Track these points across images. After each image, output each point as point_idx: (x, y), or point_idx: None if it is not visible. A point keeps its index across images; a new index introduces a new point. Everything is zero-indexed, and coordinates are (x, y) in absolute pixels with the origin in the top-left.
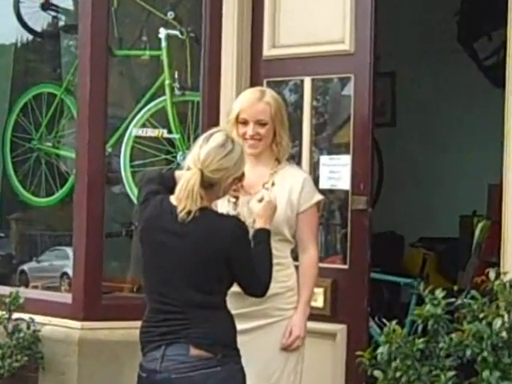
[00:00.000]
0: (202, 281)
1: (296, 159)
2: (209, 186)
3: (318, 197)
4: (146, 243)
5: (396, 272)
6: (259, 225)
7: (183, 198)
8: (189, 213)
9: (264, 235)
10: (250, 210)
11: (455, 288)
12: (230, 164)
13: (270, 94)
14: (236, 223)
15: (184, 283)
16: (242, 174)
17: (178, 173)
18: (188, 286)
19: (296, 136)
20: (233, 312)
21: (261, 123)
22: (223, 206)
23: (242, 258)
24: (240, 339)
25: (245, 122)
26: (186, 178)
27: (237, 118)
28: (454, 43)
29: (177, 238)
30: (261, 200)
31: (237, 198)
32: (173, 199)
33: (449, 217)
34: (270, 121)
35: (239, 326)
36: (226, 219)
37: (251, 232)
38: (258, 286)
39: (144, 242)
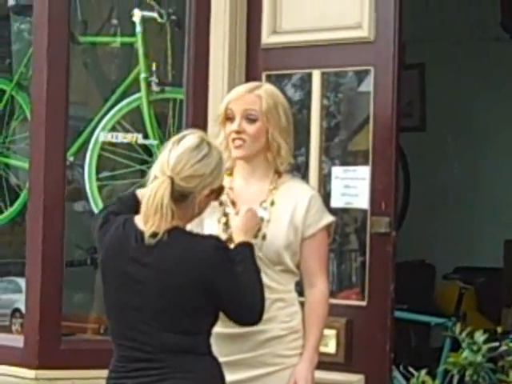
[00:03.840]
0: (177, 318)
1: (302, 170)
2: (181, 197)
3: (329, 218)
4: (108, 276)
5: (426, 310)
6: (239, 238)
7: (151, 214)
8: (156, 234)
9: (246, 250)
10: None
11: (499, 330)
12: (206, 170)
13: (265, 88)
14: (214, 244)
15: (155, 324)
16: (221, 187)
17: (140, 191)
18: (160, 327)
19: (302, 142)
20: (221, 359)
21: (249, 118)
22: (212, 227)
23: (227, 285)
24: None
25: (232, 118)
26: (153, 188)
27: (225, 113)
28: (497, 29)
29: (143, 268)
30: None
31: (226, 217)
32: (138, 220)
33: (491, 242)
34: (260, 117)
35: (229, 376)
36: (202, 240)
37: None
38: (250, 311)
39: (105, 275)
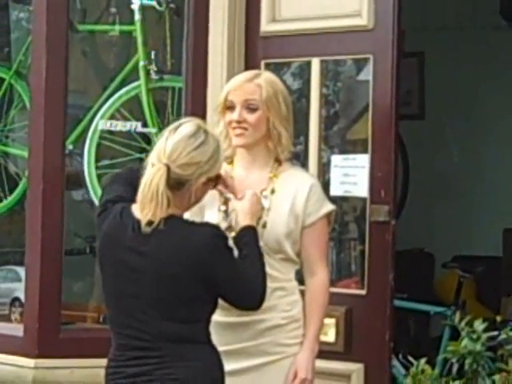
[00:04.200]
0: (175, 307)
1: (301, 159)
2: (177, 185)
3: (329, 207)
4: (106, 265)
5: (425, 299)
6: (245, 222)
7: (147, 202)
8: (152, 222)
9: (251, 234)
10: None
11: (498, 319)
12: (203, 158)
13: (265, 76)
14: (211, 231)
15: (153, 312)
16: (218, 176)
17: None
18: (158, 316)
19: (301, 131)
20: (220, 349)
21: (249, 107)
22: (212, 215)
23: (225, 272)
24: (230, 382)
25: (232, 107)
26: (149, 176)
27: (225, 102)
28: (496, 17)
29: (140, 257)
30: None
31: (226, 204)
32: (135, 209)
33: (490, 231)
34: (260, 106)
35: (228, 365)
36: (197, 228)
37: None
38: (250, 297)
39: (103, 264)
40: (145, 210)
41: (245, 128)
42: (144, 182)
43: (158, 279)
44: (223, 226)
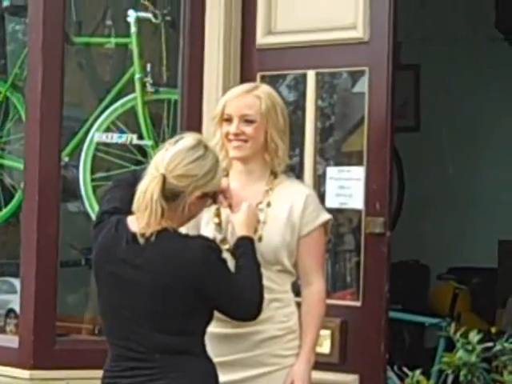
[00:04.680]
0: (169, 320)
1: (296, 171)
2: (171, 196)
3: (325, 216)
4: (101, 277)
5: (420, 310)
6: (241, 232)
7: (141, 210)
8: (145, 234)
9: (248, 245)
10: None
11: (493, 330)
12: (200, 172)
13: (263, 89)
14: (203, 244)
15: (147, 324)
16: (215, 193)
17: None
18: (153, 328)
19: (297, 143)
20: (216, 360)
21: (247, 120)
22: (207, 229)
23: (218, 285)
24: None
25: (229, 119)
26: (145, 184)
27: (222, 114)
28: (492, 30)
29: (134, 269)
30: None
31: (219, 216)
32: (130, 221)
33: (485, 242)
34: (258, 119)
35: (223, 377)
36: (190, 241)
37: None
38: (246, 308)
39: (98, 276)
40: (139, 218)
41: (244, 140)
42: (140, 190)
43: (152, 292)
44: (218, 238)
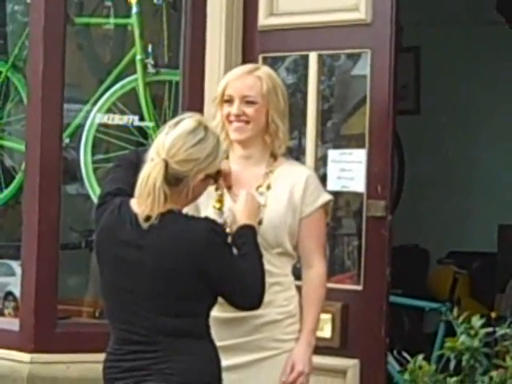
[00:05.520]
0: (172, 302)
1: (296, 154)
2: (174, 181)
3: (326, 197)
4: (103, 259)
5: (420, 295)
6: (242, 221)
7: (144, 197)
8: (149, 218)
9: (249, 233)
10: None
11: (493, 315)
12: (201, 155)
13: (264, 70)
14: (208, 226)
15: (150, 307)
16: (218, 172)
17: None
18: (155, 310)
19: (298, 125)
20: (217, 344)
21: (248, 101)
22: (207, 212)
23: (221, 268)
24: (226, 378)
25: (230, 100)
26: (147, 171)
27: (223, 95)
28: (493, 13)
29: (137, 251)
30: None
31: (221, 202)
32: (133, 203)
33: (485, 227)
34: (260, 100)
35: (225, 361)
36: (195, 223)
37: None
38: (248, 297)
39: (100, 258)
40: (142, 205)
41: (246, 121)
42: (142, 176)
43: (155, 273)
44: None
